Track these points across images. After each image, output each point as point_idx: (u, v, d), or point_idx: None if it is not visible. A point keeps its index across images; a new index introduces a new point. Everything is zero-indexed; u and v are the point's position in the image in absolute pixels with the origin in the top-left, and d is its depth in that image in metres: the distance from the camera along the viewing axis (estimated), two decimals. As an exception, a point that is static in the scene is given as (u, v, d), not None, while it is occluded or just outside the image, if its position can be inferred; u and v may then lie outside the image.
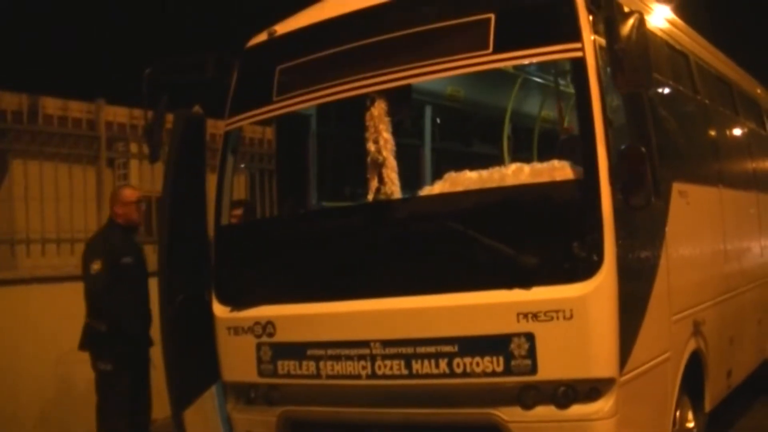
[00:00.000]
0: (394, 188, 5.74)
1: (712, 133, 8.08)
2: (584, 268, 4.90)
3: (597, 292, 4.87)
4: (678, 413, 6.09)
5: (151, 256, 9.76)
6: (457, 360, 5.14)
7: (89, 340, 7.30)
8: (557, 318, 4.89)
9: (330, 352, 5.54)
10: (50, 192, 9.49)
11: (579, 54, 5.10)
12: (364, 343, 5.41)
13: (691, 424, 6.45)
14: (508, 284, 5.03)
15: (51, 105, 9.82)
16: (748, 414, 8.59)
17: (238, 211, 7.45)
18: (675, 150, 6.57)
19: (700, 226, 7.05)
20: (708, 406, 6.89)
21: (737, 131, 9.24)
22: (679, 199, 6.23)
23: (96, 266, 7.29)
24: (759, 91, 11.12)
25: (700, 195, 7.03)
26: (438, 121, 8.68)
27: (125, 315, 7.24)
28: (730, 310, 7.65)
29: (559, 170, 5.28)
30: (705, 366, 6.71)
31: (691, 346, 6.37)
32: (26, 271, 8.99)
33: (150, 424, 7.67)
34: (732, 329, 7.77)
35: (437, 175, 5.96)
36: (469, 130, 9.36)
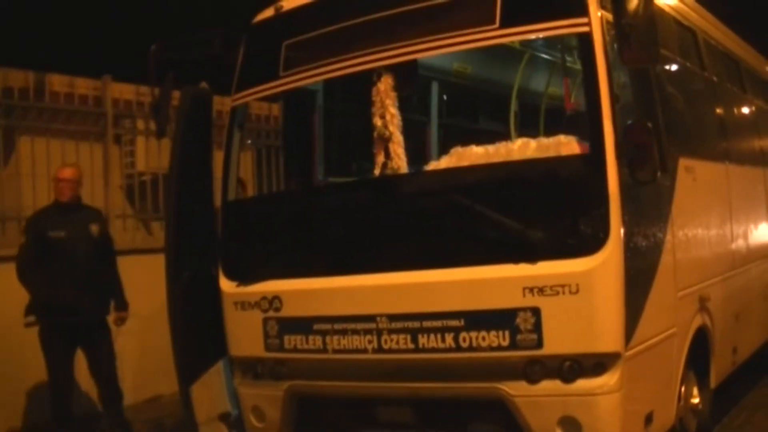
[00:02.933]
0: (400, 163, 5.75)
1: (719, 109, 8.06)
2: (590, 243, 4.91)
3: (603, 266, 4.88)
4: (683, 389, 6.12)
5: (159, 232, 9.82)
6: (463, 334, 5.16)
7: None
8: (563, 292, 4.91)
9: (336, 326, 5.57)
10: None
11: (586, 29, 5.09)
12: (371, 318, 5.43)
13: (696, 400, 6.48)
14: (515, 259, 5.04)
15: (57, 82, 9.78)
16: (753, 391, 8.59)
17: None
18: (682, 126, 6.56)
19: (706, 202, 7.04)
20: (713, 382, 6.91)
21: (744, 108, 9.22)
22: (685, 175, 6.23)
23: (22, 240, 7.53)
24: (767, 68, 11.06)
25: (707, 171, 7.02)
26: (444, 97, 8.67)
27: (45, 285, 7.25)
28: (736, 287, 7.66)
29: (566, 145, 5.28)
30: (711, 342, 6.72)
31: (697, 322, 6.39)
32: (34, 248, 8.99)
33: (122, 411, 7.69)
34: (738, 306, 7.78)
35: (444, 151, 5.96)
36: (475, 106, 9.34)
